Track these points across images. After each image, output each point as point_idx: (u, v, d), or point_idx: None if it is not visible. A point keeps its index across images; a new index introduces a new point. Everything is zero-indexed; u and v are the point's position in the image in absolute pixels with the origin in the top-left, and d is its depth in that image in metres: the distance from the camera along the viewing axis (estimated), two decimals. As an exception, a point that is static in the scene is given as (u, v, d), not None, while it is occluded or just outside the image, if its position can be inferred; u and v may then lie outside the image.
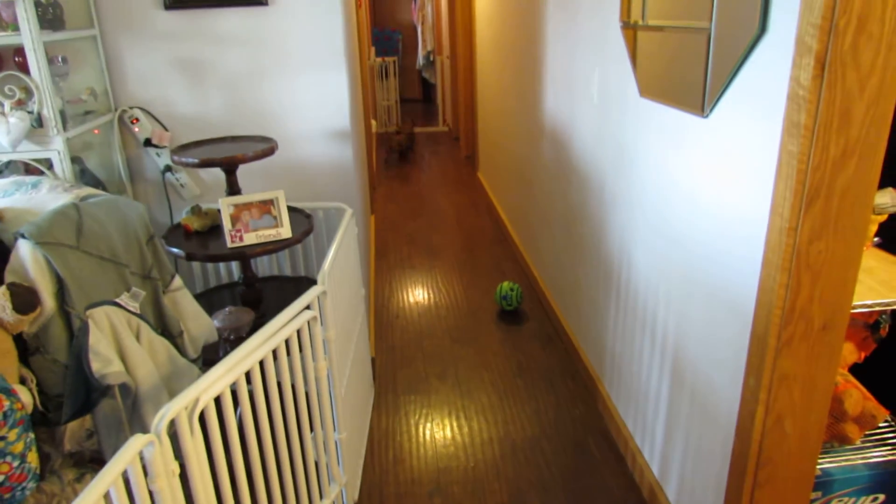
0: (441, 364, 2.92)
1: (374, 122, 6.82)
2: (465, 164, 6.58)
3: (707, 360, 1.66)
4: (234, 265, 2.63)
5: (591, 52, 2.40)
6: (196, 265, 2.61)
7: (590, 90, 2.44)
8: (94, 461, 1.51)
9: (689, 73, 1.60)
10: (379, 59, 7.91)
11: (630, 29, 1.97)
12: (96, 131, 2.42)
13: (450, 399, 2.65)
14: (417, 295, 3.63)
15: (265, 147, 2.11)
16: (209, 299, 2.45)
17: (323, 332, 1.77)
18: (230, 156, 2.04)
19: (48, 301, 1.37)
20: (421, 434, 2.44)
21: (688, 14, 1.57)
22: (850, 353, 1.67)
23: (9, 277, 1.38)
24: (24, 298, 1.32)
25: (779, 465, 1.48)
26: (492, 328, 3.22)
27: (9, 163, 2.22)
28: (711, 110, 1.53)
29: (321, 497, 1.83)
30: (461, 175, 6.16)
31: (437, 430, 2.46)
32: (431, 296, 3.61)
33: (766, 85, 1.31)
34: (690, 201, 1.70)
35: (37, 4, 2.03)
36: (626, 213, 2.16)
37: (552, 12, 2.95)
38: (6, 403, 1.18)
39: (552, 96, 3.06)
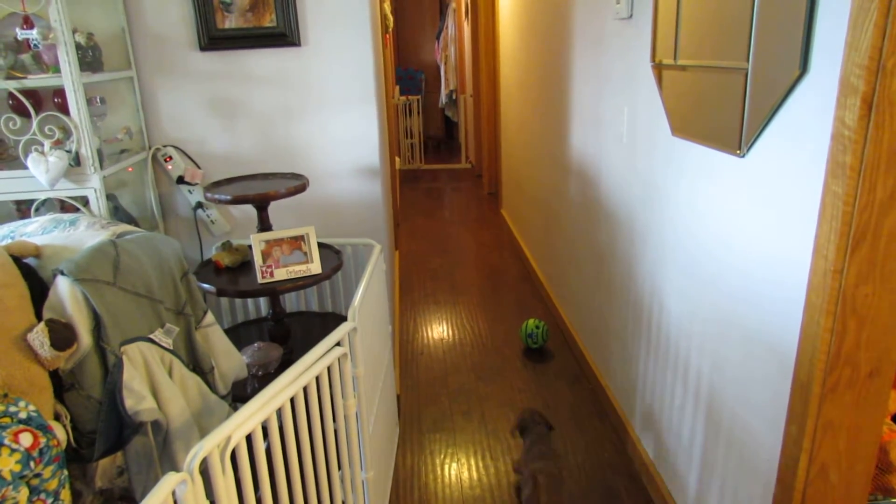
0: (466, 402, 2.88)
1: (397, 160, 6.88)
2: (488, 200, 6.59)
3: (745, 406, 1.61)
4: (262, 300, 2.63)
5: (620, 91, 2.40)
6: (224, 300, 2.61)
7: (619, 128, 2.43)
8: (123, 499, 1.49)
9: (724, 113, 1.58)
10: (403, 98, 8.01)
11: (660, 68, 1.96)
12: (130, 169, 2.45)
13: (475, 438, 2.61)
14: (441, 331, 3.60)
15: (297, 184, 2.12)
16: (237, 334, 2.44)
17: (353, 368, 1.75)
18: (262, 193, 2.05)
19: (85, 337, 1.37)
20: (446, 474, 2.39)
21: (723, 54, 1.57)
22: None
23: (47, 314, 1.38)
24: (62, 335, 1.32)
25: (823, 516, 1.42)
26: (517, 366, 3.18)
27: (45, 200, 2.25)
28: (749, 149, 1.51)
29: (348, 539, 1.79)
30: (484, 212, 6.17)
31: (463, 471, 2.41)
32: (456, 333, 3.58)
33: (807, 125, 1.29)
34: (725, 242, 1.67)
35: (78, 47, 2.08)
36: (656, 252, 2.14)
37: (579, 52, 2.97)
38: (42, 440, 1.17)
39: (579, 134, 3.06)
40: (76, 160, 2.09)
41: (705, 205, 1.77)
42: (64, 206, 2.28)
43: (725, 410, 1.72)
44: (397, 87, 8.39)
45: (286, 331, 2.29)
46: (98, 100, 2.29)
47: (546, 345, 3.35)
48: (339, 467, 1.71)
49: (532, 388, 2.97)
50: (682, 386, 1.98)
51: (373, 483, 1.92)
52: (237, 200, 2.04)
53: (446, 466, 2.44)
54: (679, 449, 2.03)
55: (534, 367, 3.17)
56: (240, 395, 2.02)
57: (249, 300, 2.63)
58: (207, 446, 1.20)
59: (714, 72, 1.62)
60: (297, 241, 2.08)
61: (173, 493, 1.11)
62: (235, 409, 1.83)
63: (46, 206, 2.28)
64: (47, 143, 2.02)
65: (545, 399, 2.86)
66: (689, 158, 1.85)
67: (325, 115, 2.52)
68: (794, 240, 1.37)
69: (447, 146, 10.00)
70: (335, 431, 1.69)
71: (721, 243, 1.69)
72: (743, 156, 1.55)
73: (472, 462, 2.45)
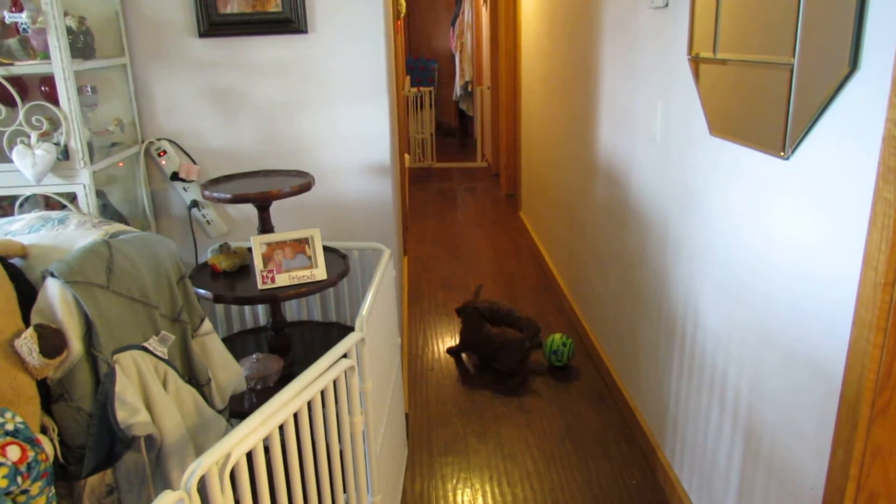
0: (480, 423, 2.90)
1: (407, 157, 6.92)
2: (506, 202, 6.62)
3: (787, 429, 1.63)
4: (262, 308, 2.67)
5: (653, 87, 2.42)
6: (220, 308, 2.65)
7: (651, 127, 2.45)
8: (112, 519, 1.53)
9: (767, 111, 1.60)
10: (414, 90, 8.06)
11: (699, 62, 1.99)
12: (121, 164, 2.49)
13: (491, 462, 2.62)
14: (454, 345, 3.62)
15: (301, 182, 2.16)
16: (234, 345, 2.48)
17: (360, 383, 1.78)
18: (264, 191, 2.09)
19: (75, 344, 1.41)
20: (459, 501, 2.41)
21: (766, 48, 1.59)
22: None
23: (35, 318, 1.42)
24: (52, 341, 1.35)
25: (872, 550, 1.43)
26: (537, 384, 3.19)
27: (29, 197, 2.29)
28: (794, 152, 1.53)
29: (352, 568, 1.81)
30: (501, 215, 6.20)
31: (478, 497, 2.43)
32: (470, 346, 3.60)
33: (856, 126, 1.31)
34: (765, 252, 1.68)
35: (68, 32, 2.12)
36: (692, 261, 2.15)
37: (609, 42, 3.00)
38: (30, 454, 1.20)
39: (608, 132, 3.08)
40: (65, 154, 2.13)
41: (744, 211, 1.79)
42: (49, 204, 2.32)
43: (766, 434, 1.73)
44: (408, 78, 8.45)
45: (287, 342, 2.33)
46: (89, 89, 2.34)
47: (570, 362, 3.37)
48: (345, 490, 1.74)
49: (553, 408, 2.98)
50: (719, 407, 1.99)
51: (380, 508, 1.95)
52: (237, 199, 2.08)
53: (459, 492, 2.46)
54: (714, 476, 2.04)
55: (555, 384, 3.18)
56: (237, 410, 2.05)
57: (248, 308, 2.67)
58: (206, 463, 1.23)
59: (757, 67, 1.64)
60: (300, 245, 2.12)
61: (169, 513, 1.14)
62: (232, 425, 1.86)
63: (30, 202, 2.32)
64: (34, 135, 2.07)
65: (567, 421, 2.88)
66: (728, 160, 1.87)
67: (332, 108, 2.56)
68: (842, 250, 1.38)
69: (461, 143, 10.05)
70: (340, 451, 1.72)
71: (761, 253, 1.71)
72: (787, 158, 1.57)
73: (488, 488, 2.47)
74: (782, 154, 1.57)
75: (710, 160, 1.98)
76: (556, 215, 4.41)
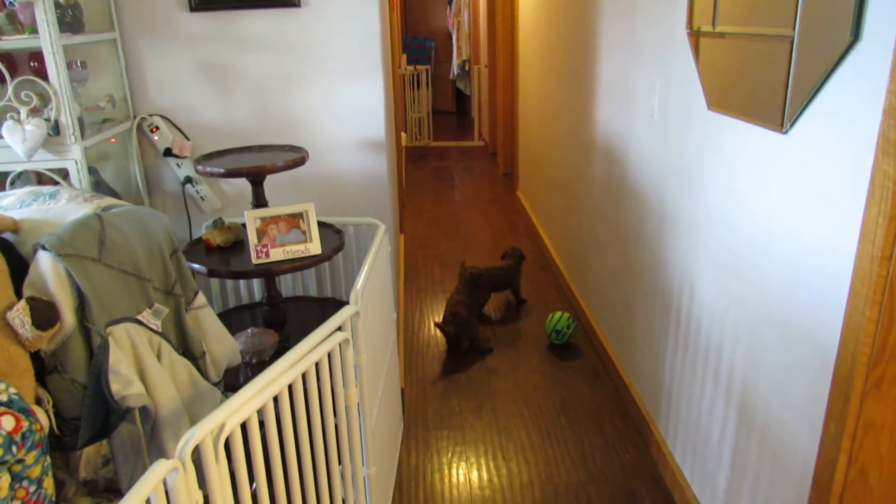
0: (476, 398, 2.90)
1: (403, 135, 6.89)
2: (503, 181, 6.60)
3: (780, 403, 1.63)
4: (256, 284, 2.66)
5: (652, 62, 2.40)
6: (215, 283, 2.64)
7: (649, 103, 2.44)
8: (108, 490, 1.53)
9: (766, 85, 1.59)
10: (410, 68, 8.01)
11: (697, 36, 1.97)
12: (113, 140, 2.48)
13: (486, 437, 2.64)
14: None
15: (295, 157, 2.14)
16: (229, 320, 2.47)
17: (354, 356, 1.78)
18: (258, 165, 2.08)
19: (68, 316, 1.40)
20: (454, 474, 2.43)
21: (766, 20, 1.57)
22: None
23: (27, 291, 1.41)
24: (44, 314, 1.34)
25: (862, 522, 1.44)
26: (532, 361, 3.20)
27: (21, 173, 2.28)
28: (792, 125, 1.52)
29: (348, 540, 1.82)
30: (498, 193, 6.18)
31: (472, 471, 2.44)
32: (465, 324, 3.60)
33: (857, 98, 1.30)
34: (762, 227, 1.68)
35: (56, 6, 2.08)
36: (688, 237, 2.15)
37: (607, 17, 2.97)
38: (25, 424, 1.20)
39: (606, 109, 3.06)
40: (55, 129, 2.11)
41: (742, 186, 1.78)
42: (41, 180, 2.31)
43: (759, 408, 1.73)
44: (404, 56, 8.38)
45: (282, 317, 2.32)
46: (78, 64, 2.31)
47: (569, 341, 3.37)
48: (340, 462, 1.74)
49: (548, 384, 2.99)
50: (713, 382, 2.00)
51: (375, 480, 1.95)
52: (230, 173, 2.06)
53: (454, 466, 2.47)
54: (707, 450, 2.06)
55: (550, 361, 3.19)
56: (232, 383, 2.05)
57: (242, 283, 2.66)
58: (200, 433, 1.23)
59: (756, 40, 1.63)
60: (295, 219, 2.11)
61: (164, 482, 1.14)
62: (227, 398, 1.86)
63: (22, 179, 2.30)
64: (24, 111, 2.04)
65: (562, 397, 2.89)
66: (726, 135, 1.86)
67: (326, 83, 2.53)
68: (839, 224, 1.38)
69: (458, 121, 10.00)
70: (336, 424, 1.72)
71: (758, 228, 1.71)
72: (786, 132, 1.56)
73: (483, 462, 2.48)
74: (781, 128, 1.56)
75: (709, 135, 1.97)
76: (554, 193, 4.39)
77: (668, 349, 2.35)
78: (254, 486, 1.40)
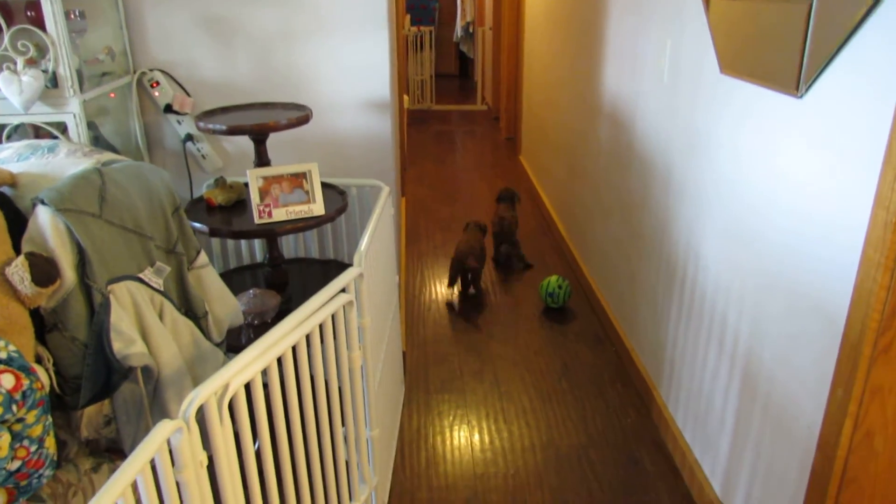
0: (478, 362, 2.90)
1: (406, 98, 6.81)
2: (506, 146, 6.54)
3: (785, 369, 1.62)
4: (257, 245, 2.64)
5: (663, 23, 2.35)
6: (215, 243, 2.62)
7: (659, 66, 2.39)
8: (110, 450, 1.52)
9: (782, 48, 1.55)
10: (414, 28, 7.89)
11: (710, -5, 1.92)
12: (112, 95, 2.43)
13: (487, 400, 2.64)
14: (452, 286, 3.61)
15: (299, 115, 2.11)
16: (230, 281, 2.45)
17: (358, 318, 1.76)
18: (262, 123, 2.04)
19: (68, 273, 1.38)
20: (456, 437, 2.43)
21: (783, -22, 1.52)
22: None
23: (26, 247, 1.38)
24: (44, 270, 1.32)
25: (865, 486, 1.44)
26: (534, 325, 3.19)
27: (17, 126, 2.24)
28: (808, 89, 1.48)
29: (350, 499, 1.83)
30: (500, 158, 6.13)
31: (474, 434, 2.45)
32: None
33: (877, 62, 1.26)
34: (772, 193, 1.65)
35: (52, -49, 2.03)
36: (695, 203, 2.12)
37: (615, -23, 2.90)
38: (25, 382, 1.19)
39: (613, 73, 3.01)
40: (53, 81, 2.07)
41: (753, 151, 1.75)
42: (38, 134, 2.27)
43: (763, 374, 1.73)
44: (408, 17, 8.26)
45: (284, 278, 2.30)
46: (77, 13, 2.25)
47: (567, 304, 3.36)
48: (343, 424, 1.74)
49: (549, 349, 2.99)
50: (718, 348, 1.99)
51: (378, 442, 1.95)
52: (233, 131, 2.03)
53: (456, 429, 2.48)
54: (710, 415, 2.05)
55: (551, 326, 3.18)
56: (234, 345, 2.04)
57: (243, 243, 2.64)
58: (204, 393, 1.21)
59: (773, 1, 1.58)
60: (298, 179, 2.08)
61: (168, 442, 1.13)
62: (230, 358, 1.85)
63: (19, 132, 2.27)
64: (20, 61, 2.00)
65: (564, 361, 2.89)
66: (738, 100, 1.82)
67: (331, 39, 2.48)
68: (852, 190, 1.35)
69: (461, 85, 9.89)
70: (339, 387, 1.71)
71: (768, 195, 1.68)
72: (801, 96, 1.52)
73: (484, 425, 2.49)
74: (796, 92, 1.53)
75: (720, 100, 1.93)
76: (557, 159, 4.35)
77: (672, 316, 2.34)
78: (256, 444, 1.39)
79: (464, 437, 2.43)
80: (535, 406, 2.59)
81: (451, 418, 2.53)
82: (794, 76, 1.52)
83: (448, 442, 2.41)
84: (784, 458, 1.64)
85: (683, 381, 2.25)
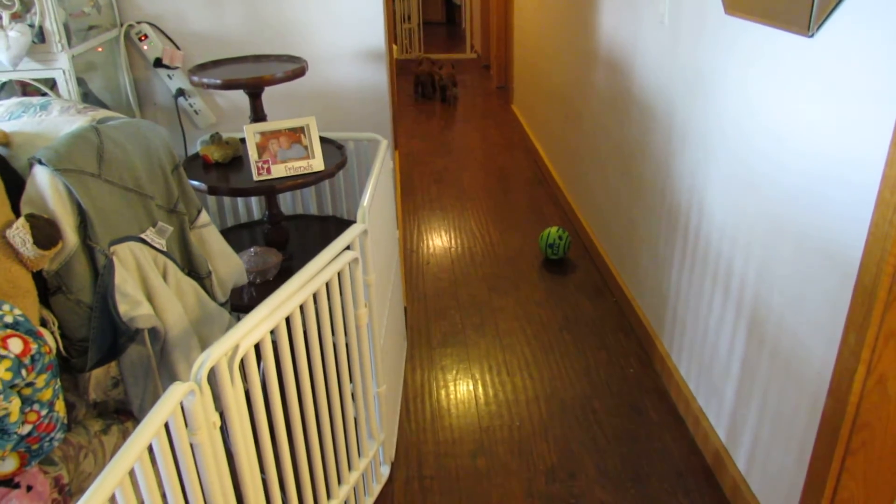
0: (479, 315, 2.90)
1: (395, 48, 6.69)
2: (497, 95, 6.46)
3: (795, 316, 1.62)
4: (255, 202, 2.60)
5: (663, -36, 2.29)
6: (211, 201, 2.58)
7: (659, 7, 2.34)
8: (119, 412, 1.52)
9: (794, -15, 1.51)
10: (400, -24, 7.71)
11: (717, -66, 1.86)
12: (100, 49, 2.36)
13: (490, 353, 2.65)
14: (449, 240, 3.60)
15: (295, 67, 2.05)
16: (228, 240, 2.40)
17: (363, 275, 1.75)
18: (257, 76, 1.99)
19: (70, 235, 1.35)
20: (459, 390, 2.44)
21: (797, -86, 1.48)
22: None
23: (26, 208, 1.35)
24: (45, 231, 1.29)
25: (877, 430, 1.45)
26: (533, 278, 3.19)
27: (4, 84, 2.18)
28: (819, 28, 1.45)
29: (360, 455, 1.84)
30: (492, 107, 6.06)
31: (478, 387, 2.46)
32: (465, 241, 3.58)
33: (895, -3, 1.23)
34: (780, 137, 1.63)
35: None
36: (699, 150, 2.10)
37: (613, -82, 2.82)
38: (33, 346, 1.17)
39: (610, 16, 2.95)
40: (40, 36, 2.01)
41: (761, 94, 1.72)
42: (27, 91, 2.21)
43: (771, 320, 1.73)
44: (393, -37, 8.05)
45: (284, 235, 2.28)
46: (60, -35, 2.18)
47: (567, 255, 3.36)
48: (351, 381, 1.73)
49: (550, 300, 2.99)
50: (723, 295, 1.99)
51: (385, 398, 1.96)
52: (227, 85, 1.98)
53: (459, 382, 2.49)
54: (714, 362, 2.07)
55: (551, 278, 3.18)
56: (237, 303, 2.02)
57: (240, 201, 2.60)
58: (215, 355, 1.20)
59: (784, -65, 1.54)
60: (296, 134, 2.03)
61: (181, 405, 1.12)
62: (235, 318, 1.84)
63: (6, 90, 2.21)
64: (6, 15, 1.93)
65: (565, 313, 2.89)
66: (744, 41, 1.78)
67: (322, -12, 2.41)
68: (867, 131, 1.33)
69: (448, 32, 9.72)
70: (346, 343, 1.71)
71: (777, 138, 1.65)
72: (811, 35, 1.49)
73: (487, 378, 2.50)
74: (807, 32, 1.49)
75: (725, 41, 1.89)
76: (551, 107, 4.30)
77: (674, 264, 2.33)
78: (268, 405, 1.38)
79: (468, 391, 2.44)
80: (537, 358, 2.60)
81: (454, 372, 2.54)
82: (805, 15, 1.49)
83: (452, 396, 2.42)
84: (793, 404, 1.65)
85: (687, 329, 2.26)
